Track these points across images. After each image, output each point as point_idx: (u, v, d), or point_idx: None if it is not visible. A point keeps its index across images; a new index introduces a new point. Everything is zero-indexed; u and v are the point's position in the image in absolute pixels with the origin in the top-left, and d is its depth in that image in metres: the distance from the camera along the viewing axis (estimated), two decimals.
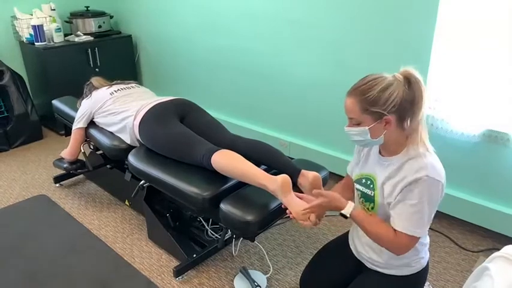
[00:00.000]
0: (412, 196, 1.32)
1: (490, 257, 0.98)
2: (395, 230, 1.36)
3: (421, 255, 1.50)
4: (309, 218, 1.57)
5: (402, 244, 1.37)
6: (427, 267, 1.55)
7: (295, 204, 1.59)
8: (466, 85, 2.09)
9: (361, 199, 1.54)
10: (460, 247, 2.23)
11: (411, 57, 2.25)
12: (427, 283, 1.77)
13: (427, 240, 1.52)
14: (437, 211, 2.35)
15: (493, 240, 2.25)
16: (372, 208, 1.49)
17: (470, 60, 2.04)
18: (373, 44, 2.39)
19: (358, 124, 1.35)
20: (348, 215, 1.42)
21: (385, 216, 1.45)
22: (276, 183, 1.61)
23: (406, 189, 1.33)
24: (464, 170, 2.26)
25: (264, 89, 3.09)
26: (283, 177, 1.62)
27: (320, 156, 2.75)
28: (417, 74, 1.31)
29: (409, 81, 1.31)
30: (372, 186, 1.49)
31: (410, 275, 1.51)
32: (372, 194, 1.48)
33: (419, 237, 1.36)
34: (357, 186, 1.55)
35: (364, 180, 1.52)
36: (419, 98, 1.30)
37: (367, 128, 1.33)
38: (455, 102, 2.14)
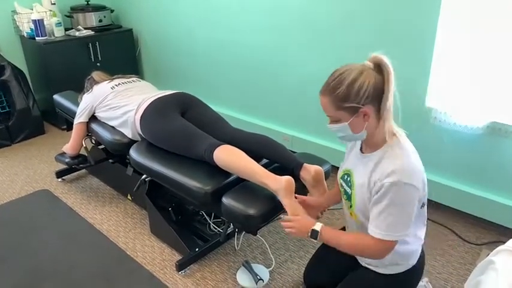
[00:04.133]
0: (384, 201, 1.30)
1: (495, 250, 0.97)
2: (373, 236, 1.34)
3: (411, 254, 1.47)
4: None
5: (381, 249, 1.35)
6: (419, 264, 1.52)
7: (294, 208, 1.60)
8: (470, 76, 2.06)
9: (344, 196, 1.52)
10: (463, 240, 2.22)
11: (415, 49, 2.23)
12: (425, 279, 1.77)
13: (417, 238, 1.48)
14: (439, 204, 2.38)
15: (497, 233, 2.24)
16: (351, 207, 1.47)
17: (475, 51, 2.01)
18: (375, 38, 2.37)
19: (338, 121, 1.33)
20: (318, 230, 1.43)
21: (363, 216, 1.43)
22: (280, 184, 1.61)
23: (379, 193, 1.30)
24: (467, 163, 2.25)
25: (267, 83, 3.08)
26: (288, 179, 1.61)
27: (322, 150, 2.74)
28: (384, 57, 1.28)
29: (379, 67, 1.28)
30: (350, 183, 1.47)
31: (401, 273, 1.48)
32: (350, 192, 1.46)
33: (397, 240, 1.34)
34: (341, 182, 1.54)
35: (345, 177, 1.50)
36: (388, 83, 1.26)
37: (346, 123, 1.31)
38: (459, 94, 2.12)
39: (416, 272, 1.53)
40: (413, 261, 1.49)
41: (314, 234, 1.44)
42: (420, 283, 1.72)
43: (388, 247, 1.35)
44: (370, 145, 1.39)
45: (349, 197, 1.48)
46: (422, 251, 1.55)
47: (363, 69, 1.28)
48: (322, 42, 2.63)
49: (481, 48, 1.99)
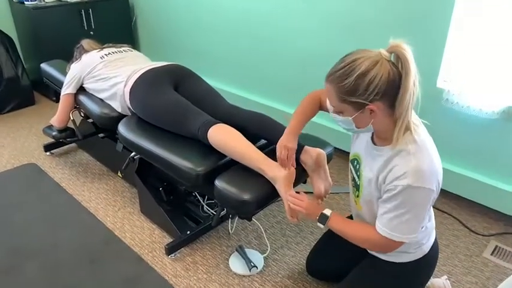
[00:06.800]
0: (394, 202, 1.20)
1: None
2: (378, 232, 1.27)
3: (421, 242, 1.38)
4: (296, 217, 1.50)
5: (385, 246, 1.29)
6: (432, 253, 1.43)
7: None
8: (486, 57, 1.90)
9: (352, 182, 1.44)
10: (470, 230, 2.11)
11: (428, 26, 2.06)
12: (444, 276, 1.67)
13: (429, 226, 1.39)
14: (445, 191, 2.26)
15: (505, 224, 2.13)
16: (357, 196, 1.39)
17: (493, 31, 1.84)
18: (386, 12, 2.19)
19: (341, 112, 1.19)
20: (328, 215, 1.38)
21: (367, 209, 1.36)
22: (278, 172, 1.50)
23: (389, 193, 1.21)
24: (477, 148, 2.11)
25: (268, 58, 2.91)
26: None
27: (325, 131, 2.60)
28: (406, 49, 1.10)
29: (397, 58, 1.12)
30: (358, 172, 1.37)
31: (411, 261, 1.40)
32: (358, 183, 1.37)
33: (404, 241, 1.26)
34: (350, 167, 1.45)
35: (355, 162, 1.40)
36: (407, 78, 1.10)
37: (350, 118, 1.18)
38: (474, 75, 1.97)
39: (429, 261, 1.44)
40: (426, 249, 1.40)
41: (323, 218, 1.39)
42: (438, 280, 1.63)
43: (393, 245, 1.28)
44: (381, 137, 1.26)
45: (356, 186, 1.39)
46: (436, 241, 1.46)
47: (378, 59, 1.10)
48: (330, 16, 2.45)
49: (499, 28, 1.83)
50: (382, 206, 1.25)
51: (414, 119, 1.22)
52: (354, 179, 1.41)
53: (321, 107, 1.51)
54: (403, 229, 1.23)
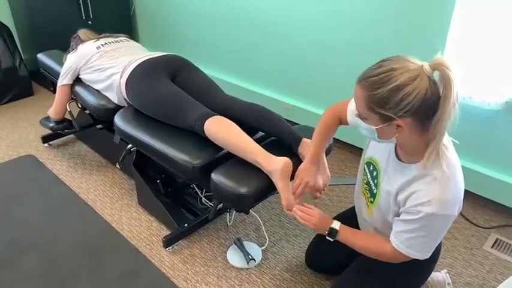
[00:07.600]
0: (414, 225, 1.18)
1: None
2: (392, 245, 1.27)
3: None
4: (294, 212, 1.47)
5: (396, 258, 1.29)
6: (436, 250, 1.39)
7: (289, 193, 1.48)
8: (489, 48, 1.86)
9: (365, 186, 1.40)
10: (471, 222, 2.08)
11: (430, 16, 2.01)
12: (444, 270, 1.66)
13: None
14: None
15: (506, 216, 2.10)
16: (371, 202, 1.37)
17: (495, 22, 1.80)
18: (388, 2, 2.15)
19: (365, 119, 1.13)
20: (337, 228, 1.38)
21: (379, 216, 1.34)
22: (275, 165, 1.47)
23: (410, 215, 1.18)
24: (479, 140, 2.08)
25: (268, 47, 2.86)
26: (285, 161, 1.48)
27: None
28: (451, 69, 1.00)
29: (439, 77, 1.04)
30: (376, 180, 1.33)
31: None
32: (375, 191, 1.33)
33: None
34: (365, 169, 1.41)
35: (371, 167, 1.36)
36: (447, 100, 1.02)
37: (374, 127, 1.12)
38: (477, 66, 1.93)
39: (432, 257, 1.39)
40: None
41: (333, 233, 1.38)
42: (438, 274, 1.62)
43: (404, 259, 1.27)
44: (406, 153, 1.20)
45: (372, 193, 1.36)
46: None
47: (418, 74, 1.02)
48: (333, 5, 2.40)
49: (502, 19, 1.78)
50: (400, 224, 1.23)
51: (444, 138, 1.15)
52: (368, 183, 1.38)
53: (341, 123, 1.48)
54: (419, 248, 1.23)
